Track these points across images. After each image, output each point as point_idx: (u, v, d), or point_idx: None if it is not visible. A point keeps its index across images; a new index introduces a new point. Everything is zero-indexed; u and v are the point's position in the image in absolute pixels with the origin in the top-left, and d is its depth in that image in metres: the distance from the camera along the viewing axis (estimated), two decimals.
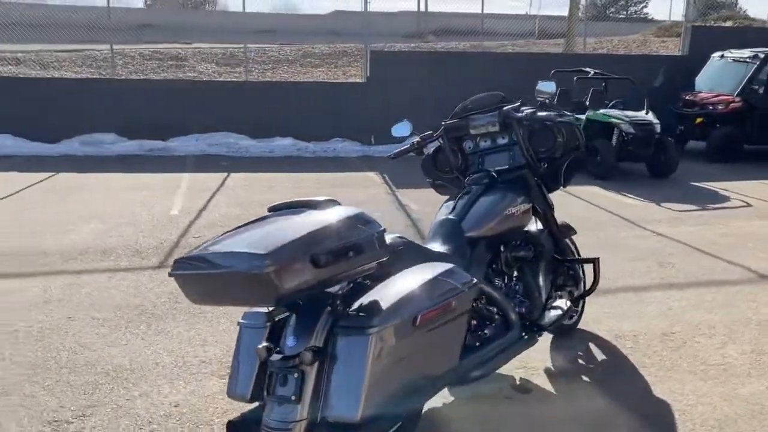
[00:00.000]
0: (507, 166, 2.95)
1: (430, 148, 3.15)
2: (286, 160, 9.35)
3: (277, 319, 1.97)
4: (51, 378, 2.81)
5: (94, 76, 11.24)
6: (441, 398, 2.66)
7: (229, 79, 11.66)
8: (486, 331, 2.59)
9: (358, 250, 1.83)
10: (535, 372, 2.98)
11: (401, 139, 3.14)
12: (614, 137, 8.30)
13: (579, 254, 3.48)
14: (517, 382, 2.89)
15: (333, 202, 1.98)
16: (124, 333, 3.32)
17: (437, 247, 2.59)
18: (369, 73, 10.71)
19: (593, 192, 7.34)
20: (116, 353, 3.08)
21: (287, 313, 1.93)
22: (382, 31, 16.20)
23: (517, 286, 2.88)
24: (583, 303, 3.49)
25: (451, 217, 2.71)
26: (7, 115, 9.61)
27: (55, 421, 2.47)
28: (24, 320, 3.44)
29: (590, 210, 6.38)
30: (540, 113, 2.89)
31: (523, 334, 2.73)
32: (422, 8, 17.51)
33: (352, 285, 2.05)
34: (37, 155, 9.18)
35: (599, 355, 3.20)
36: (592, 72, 9.24)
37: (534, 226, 2.99)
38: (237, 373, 2.02)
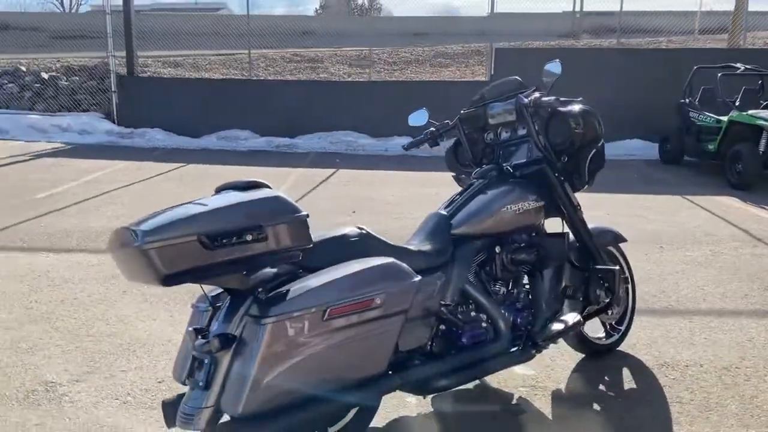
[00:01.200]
0: (524, 160, 2.65)
1: (451, 140, 2.94)
2: (399, 159, 9.35)
3: (219, 304, 1.95)
4: (73, 344, 3.05)
5: (236, 77, 12.16)
6: (415, 407, 2.47)
7: (354, 80, 11.97)
8: (463, 339, 2.33)
9: (260, 233, 1.74)
10: (540, 392, 2.64)
11: (419, 129, 2.96)
12: (762, 141, 7.18)
13: (629, 267, 3.05)
14: (513, 402, 2.58)
15: (263, 186, 1.90)
16: (160, 310, 3.51)
17: (416, 242, 2.40)
18: (493, 71, 10.39)
19: (725, 203, 6.42)
20: (141, 327, 3.26)
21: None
22: (538, 31, 15.71)
23: (520, 293, 2.57)
24: (629, 321, 3.04)
25: (441, 211, 2.50)
26: (161, 111, 10.75)
27: (51, 383, 2.67)
28: (86, 291, 3.78)
29: (711, 222, 5.56)
30: (549, 99, 2.56)
31: (515, 347, 2.43)
32: (577, 8, 16.80)
33: (286, 274, 1.97)
34: (179, 148, 10.13)
35: (629, 384, 2.75)
36: (743, 68, 8.09)
37: (561, 228, 2.66)
38: (178, 355, 2.03)
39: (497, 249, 2.48)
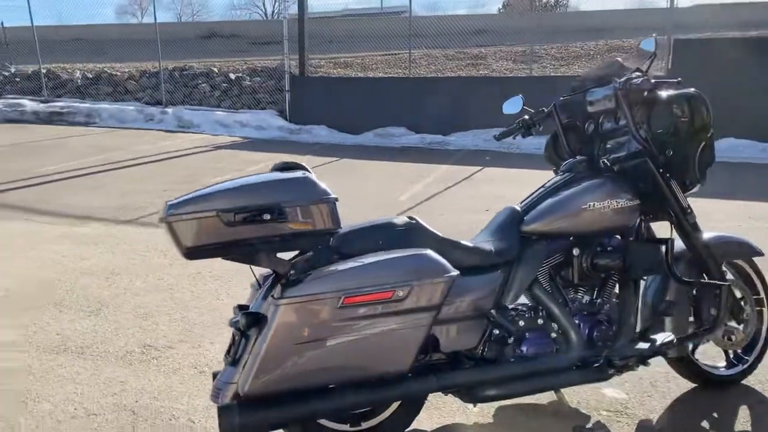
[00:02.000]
0: (624, 153, 2.33)
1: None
2: None
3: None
4: (180, 314, 3.32)
5: (396, 75, 12.41)
6: (475, 416, 2.30)
7: (511, 75, 11.57)
8: (523, 347, 2.11)
9: (279, 213, 1.72)
10: (625, 420, 2.32)
11: (513, 117, 2.76)
12: None
13: (765, 286, 2.55)
14: (588, 425, 2.29)
15: (299, 167, 1.89)
16: (218, 286, 3.68)
17: (481, 237, 2.22)
18: (671, 64, 9.39)
19: None
20: (183, 299, 3.45)
21: None
22: (731, 23, 14.07)
23: (604, 304, 2.26)
24: (762, 352, 2.54)
25: (514, 206, 2.28)
26: (326, 109, 11.35)
27: (148, 346, 2.93)
28: (209, 267, 4.08)
29: None
30: (646, 81, 2.20)
31: (588, 363, 2.14)
32: None
33: (323, 259, 1.93)
34: (337, 144, 10.60)
35: (742, 426, 2.28)
36: None
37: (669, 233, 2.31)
38: None
39: (575, 252, 2.20)
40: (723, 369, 2.55)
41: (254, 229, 1.73)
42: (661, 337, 2.21)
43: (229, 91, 12.88)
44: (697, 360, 2.48)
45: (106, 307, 3.39)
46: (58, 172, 7.46)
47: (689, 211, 2.30)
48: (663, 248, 2.23)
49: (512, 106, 2.72)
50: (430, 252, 1.88)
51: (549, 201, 2.23)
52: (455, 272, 1.87)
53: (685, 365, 2.47)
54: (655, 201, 2.29)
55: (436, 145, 10.32)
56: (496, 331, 2.10)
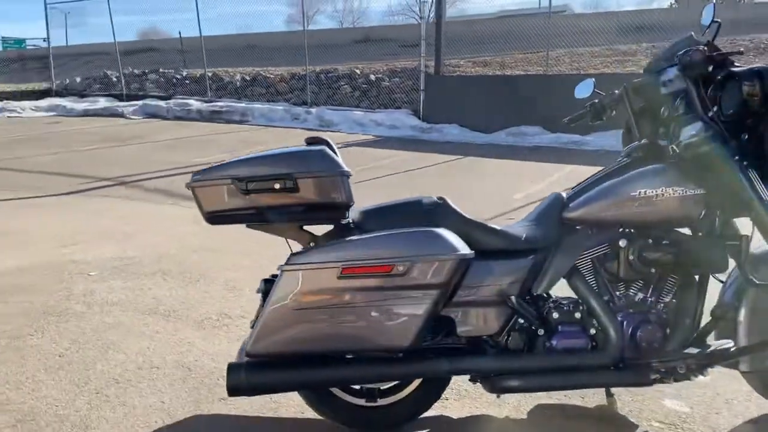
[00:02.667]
0: (694, 137, 2.09)
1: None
2: None
3: None
4: (199, 284, 3.52)
5: (530, 73, 12.02)
6: (512, 409, 2.20)
7: None
8: (553, 340, 1.98)
9: (291, 183, 1.79)
10: (660, 430, 2.07)
11: (585, 102, 2.60)
12: None
13: None
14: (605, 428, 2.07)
15: (323, 142, 1.95)
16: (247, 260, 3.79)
17: (523, 222, 2.12)
18: None
19: None
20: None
21: None
22: None
23: (657, 303, 2.05)
24: None
25: (561, 192, 2.15)
26: (459, 108, 11.33)
27: (224, 314, 3.16)
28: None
29: None
30: (710, 54, 1.95)
31: (626, 364, 1.96)
32: None
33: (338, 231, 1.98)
34: (467, 142, 10.52)
35: None
36: None
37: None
38: None
39: (622, 243, 2.02)
40: None
41: (267, 197, 1.82)
42: (716, 344, 1.96)
43: (368, 92, 13.34)
44: None
45: (204, 279, 3.70)
46: (209, 164, 8.27)
47: None
48: (735, 246, 1.98)
49: (584, 89, 2.56)
50: (440, 230, 1.84)
51: (597, 188, 2.07)
52: (466, 252, 1.81)
53: (763, 383, 2.15)
54: (728, 192, 2.03)
55: (572, 145, 9.86)
56: (522, 321, 1.99)
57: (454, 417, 2.20)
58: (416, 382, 2.08)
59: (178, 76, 15.41)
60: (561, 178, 7.08)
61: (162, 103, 13.88)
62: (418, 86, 12.35)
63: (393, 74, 13.64)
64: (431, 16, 12.36)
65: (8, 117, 13.51)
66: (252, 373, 1.83)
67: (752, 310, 2.07)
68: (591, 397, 2.30)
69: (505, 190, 6.44)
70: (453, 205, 2.03)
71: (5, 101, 14.50)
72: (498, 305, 1.97)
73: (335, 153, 1.91)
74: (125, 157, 8.68)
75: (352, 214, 1.98)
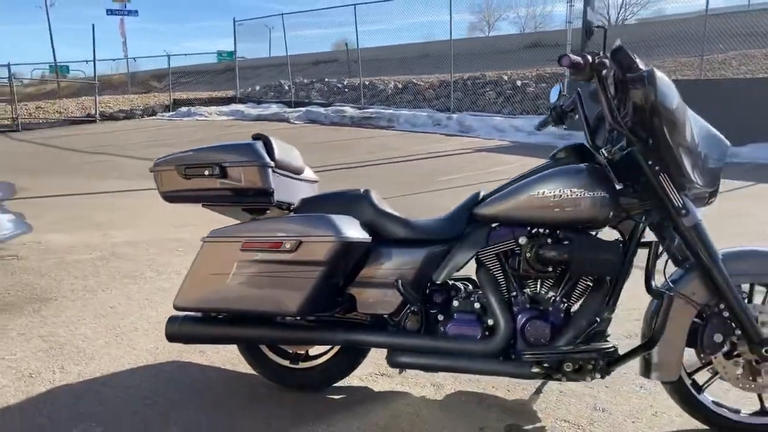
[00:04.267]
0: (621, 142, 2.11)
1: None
2: None
3: None
4: None
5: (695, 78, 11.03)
6: (429, 389, 2.37)
7: None
8: (449, 326, 2.13)
9: (219, 170, 2.16)
10: (562, 429, 2.07)
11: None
12: None
13: None
14: (510, 419, 2.12)
15: (262, 137, 2.30)
16: None
17: (436, 217, 2.29)
18: None
19: None
20: None
21: None
22: None
23: (556, 301, 2.08)
24: None
25: (481, 190, 2.27)
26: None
27: None
28: None
29: None
30: (583, 56, 1.94)
31: (508, 356, 2.04)
32: None
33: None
34: None
35: None
36: None
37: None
38: None
39: (522, 240, 2.09)
40: (745, 415, 2.03)
41: (202, 182, 2.21)
42: (601, 347, 1.95)
43: (512, 97, 13.28)
44: (704, 399, 2.04)
45: None
46: (339, 166, 9.00)
47: (684, 212, 1.94)
48: (629, 249, 1.99)
49: (554, 94, 2.60)
50: (333, 216, 2.09)
51: (508, 187, 2.16)
52: (347, 237, 2.04)
53: (684, 398, 2.05)
54: (643, 197, 2.01)
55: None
56: (413, 304, 2.15)
57: (376, 390, 2.40)
58: (332, 353, 2.34)
59: (339, 85, 16.63)
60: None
61: (322, 109, 15.12)
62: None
63: (540, 80, 13.41)
64: (569, 18, 11.88)
65: (197, 120, 15.70)
66: (185, 324, 2.24)
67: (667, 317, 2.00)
68: (516, 391, 2.36)
69: None
70: (373, 198, 2.25)
71: (197, 106, 16.84)
72: (391, 287, 2.15)
73: (271, 148, 2.23)
74: None
75: (297, 202, 2.31)
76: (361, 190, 2.29)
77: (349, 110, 14.86)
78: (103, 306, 3.35)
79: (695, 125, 1.98)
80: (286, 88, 17.45)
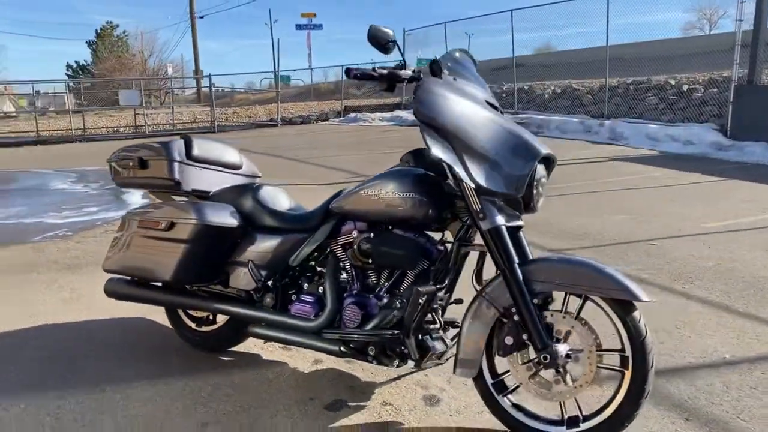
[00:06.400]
0: None
1: None
2: None
3: None
4: None
5: None
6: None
7: None
8: (294, 305, 2.40)
9: (141, 164, 2.68)
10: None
11: None
12: None
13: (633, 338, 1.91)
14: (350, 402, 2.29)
15: (185, 138, 2.77)
16: None
17: (306, 210, 2.56)
18: None
19: None
20: None
21: None
22: None
23: (377, 289, 2.24)
24: (620, 417, 1.88)
25: (346, 187, 2.50)
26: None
27: None
28: None
29: None
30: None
31: (324, 335, 2.26)
32: None
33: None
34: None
35: None
36: None
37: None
38: None
39: (354, 234, 2.28)
40: (542, 423, 1.98)
41: (131, 172, 2.73)
42: (381, 332, 2.09)
43: (675, 104, 12.16)
44: (500, 395, 2.04)
45: None
46: None
47: (481, 216, 1.98)
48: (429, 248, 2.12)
49: None
50: (204, 203, 2.49)
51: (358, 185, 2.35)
52: (209, 221, 2.40)
53: (485, 396, 2.07)
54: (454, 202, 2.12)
55: None
56: (270, 283, 2.44)
57: (264, 357, 2.72)
58: (223, 322, 2.72)
59: (498, 90, 16.60)
60: None
61: None
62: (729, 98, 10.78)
63: (711, 84, 12.07)
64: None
65: (360, 125, 16.85)
66: (118, 285, 2.78)
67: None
68: (378, 375, 2.50)
69: (709, 216, 5.55)
70: (258, 191, 2.57)
71: (363, 113, 18.04)
72: (260, 269, 2.47)
73: (190, 146, 2.68)
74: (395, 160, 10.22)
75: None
76: (254, 185, 2.64)
77: None
78: None
79: (494, 133, 2.00)
80: None
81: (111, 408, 2.29)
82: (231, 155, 2.84)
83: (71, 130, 16.44)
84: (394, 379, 2.48)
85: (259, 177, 2.98)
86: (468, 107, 2.02)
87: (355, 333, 2.17)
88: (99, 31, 41.74)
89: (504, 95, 16.29)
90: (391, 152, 11.19)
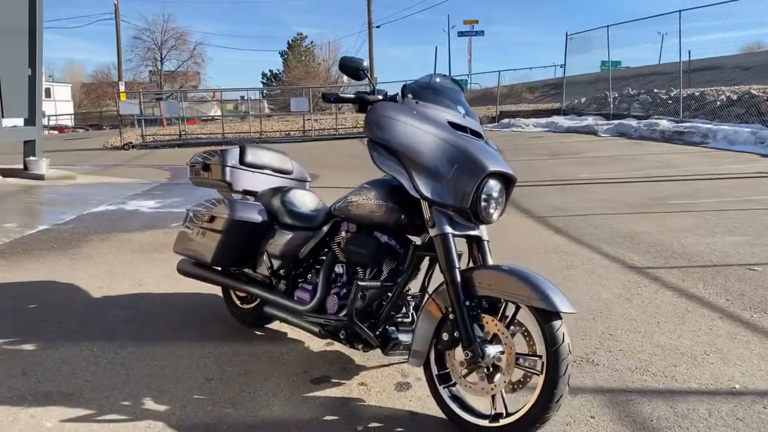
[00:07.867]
0: None
1: None
2: None
3: None
4: None
5: None
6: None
7: None
8: (296, 291, 2.77)
9: (205, 167, 3.25)
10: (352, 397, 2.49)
11: None
12: None
13: (548, 345, 2.03)
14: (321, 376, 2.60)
15: (240, 146, 3.29)
16: None
17: (321, 210, 2.90)
18: None
19: None
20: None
21: None
22: None
23: (358, 281, 2.52)
24: (537, 411, 1.98)
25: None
26: None
27: None
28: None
29: None
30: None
31: (308, 318, 2.61)
32: None
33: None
34: None
35: None
36: None
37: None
38: None
39: (342, 233, 2.59)
40: (472, 415, 2.12)
41: (198, 173, 3.29)
42: (330, 318, 2.43)
43: None
44: (447, 395, 2.21)
45: None
46: (584, 180, 8.96)
47: (431, 223, 2.19)
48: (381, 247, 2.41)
49: None
50: (240, 202, 2.95)
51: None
52: (239, 216, 2.85)
53: (429, 386, 2.27)
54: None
55: None
56: (282, 270, 2.83)
57: (289, 336, 3.12)
58: (258, 301, 3.16)
59: (664, 96, 15.44)
60: None
61: (634, 122, 14.41)
62: None
63: None
64: None
65: (512, 131, 16.74)
66: (186, 265, 3.35)
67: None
68: (372, 359, 2.77)
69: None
70: (289, 194, 2.98)
71: (517, 118, 17.86)
72: (276, 259, 2.87)
73: (244, 153, 3.18)
74: (528, 167, 10.12)
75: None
76: (285, 188, 3.06)
77: (664, 124, 13.79)
78: None
79: (443, 151, 2.17)
80: (611, 99, 16.99)
81: (151, 358, 2.85)
82: (281, 162, 3.30)
83: (250, 133, 18.52)
84: (383, 366, 2.73)
85: (309, 182, 3.40)
86: (420, 128, 2.21)
87: (330, 318, 2.48)
88: (290, 42, 45.93)
89: (670, 102, 15.13)
90: (533, 159, 11.07)
